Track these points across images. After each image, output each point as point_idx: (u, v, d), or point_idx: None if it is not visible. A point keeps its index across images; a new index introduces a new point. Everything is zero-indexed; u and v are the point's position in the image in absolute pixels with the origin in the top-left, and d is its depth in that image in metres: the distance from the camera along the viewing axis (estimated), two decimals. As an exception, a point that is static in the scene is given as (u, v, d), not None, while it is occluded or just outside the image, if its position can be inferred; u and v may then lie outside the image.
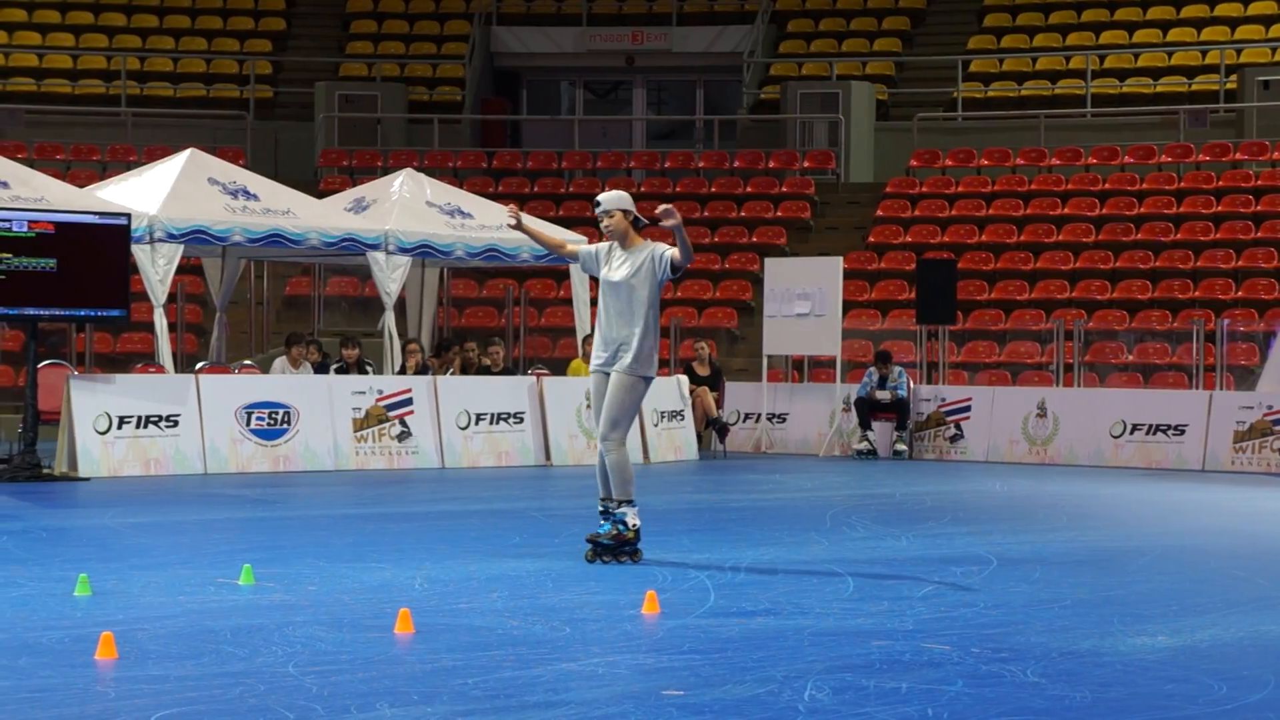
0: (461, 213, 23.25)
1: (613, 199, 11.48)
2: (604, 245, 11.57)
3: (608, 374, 11.36)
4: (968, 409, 23.99)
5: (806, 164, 33.70)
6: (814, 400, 25.14)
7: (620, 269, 11.33)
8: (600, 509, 11.44)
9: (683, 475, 20.93)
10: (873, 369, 24.40)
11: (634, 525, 11.29)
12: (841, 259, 25.81)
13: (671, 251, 11.35)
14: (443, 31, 38.46)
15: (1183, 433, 22.42)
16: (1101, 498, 18.14)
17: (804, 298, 24.68)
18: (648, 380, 11.38)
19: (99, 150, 33.15)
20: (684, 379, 23.58)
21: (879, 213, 32.06)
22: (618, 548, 11.29)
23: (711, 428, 24.31)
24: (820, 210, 32.97)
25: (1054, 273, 29.57)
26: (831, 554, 12.32)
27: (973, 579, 10.97)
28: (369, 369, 21.96)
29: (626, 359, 11.28)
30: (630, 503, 11.28)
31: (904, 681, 7.53)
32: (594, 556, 11.29)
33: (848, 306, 26.39)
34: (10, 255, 17.60)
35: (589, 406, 21.82)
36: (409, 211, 22.79)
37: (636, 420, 22.20)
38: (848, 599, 10.05)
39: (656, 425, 22.56)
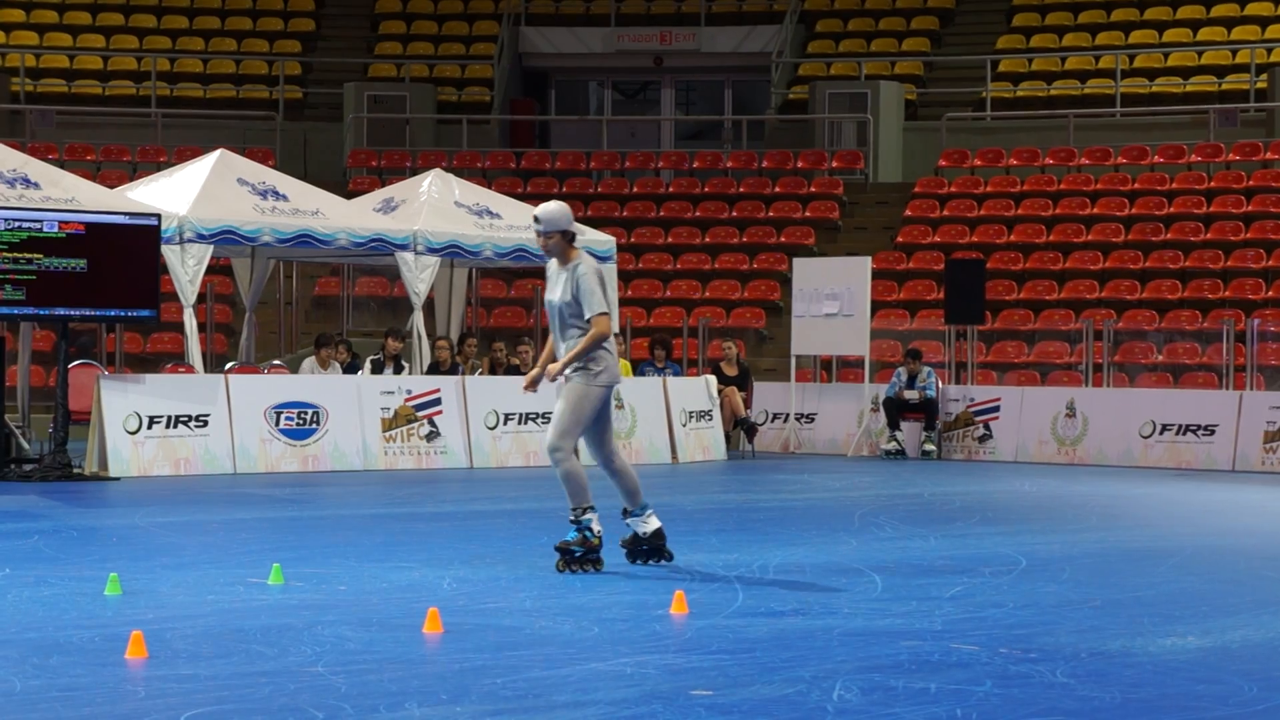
0: (490, 213, 23.27)
1: (552, 220, 10.92)
2: (550, 264, 11.10)
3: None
4: (996, 409, 23.94)
5: (835, 164, 33.67)
6: (842, 400, 25.11)
7: (555, 288, 10.96)
8: (571, 518, 11.04)
9: (711, 475, 20.92)
10: (901, 369, 24.36)
11: (598, 531, 10.92)
12: (870, 259, 25.78)
13: (586, 284, 10.77)
14: (471, 32, 38.50)
15: (1213, 433, 22.35)
16: (1131, 498, 18.08)
17: (832, 298, 24.66)
18: (604, 387, 10.94)
19: (129, 151, 33.25)
20: (712, 379, 23.57)
21: (907, 213, 32.01)
22: (585, 555, 10.91)
23: (740, 428, 24.29)
24: (848, 210, 32.93)
25: (1083, 273, 29.50)
26: (860, 554, 12.30)
27: (1002, 579, 10.94)
28: (404, 367, 21.98)
29: (581, 367, 10.85)
30: (591, 508, 10.91)
31: (933, 682, 7.51)
32: (564, 566, 10.87)
33: (876, 306, 26.35)
34: (41, 256, 17.66)
35: (619, 406, 22.01)
36: (437, 212, 22.81)
37: (664, 419, 22.26)
38: (876, 599, 10.03)
39: (685, 425, 22.56)
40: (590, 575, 10.84)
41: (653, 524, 11.25)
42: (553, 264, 11.07)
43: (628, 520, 11.28)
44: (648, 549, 11.27)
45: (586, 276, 10.83)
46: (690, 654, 8.23)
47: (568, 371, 10.91)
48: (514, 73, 37.57)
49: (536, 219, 10.99)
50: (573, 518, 10.97)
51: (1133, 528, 15.08)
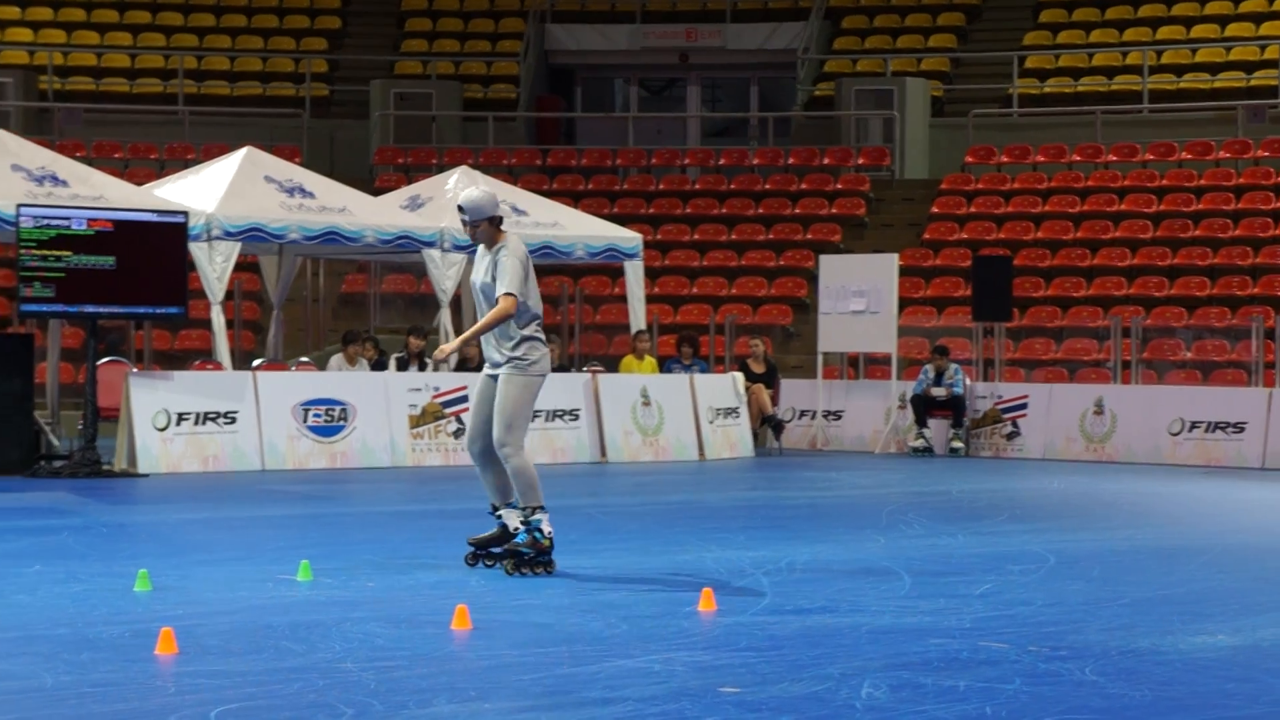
0: (516, 210, 23.27)
1: (478, 208, 10.62)
2: (479, 248, 10.84)
3: (495, 377, 10.72)
4: (1024, 406, 23.88)
5: (861, 161, 33.62)
6: (869, 397, 25.07)
7: (479, 270, 10.70)
8: (491, 511, 10.90)
9: (738, 472, 20.92)
10: (928, 366, 24.33)
11: (549, 533, 10.65)
12: (897, 256, 25.74)
13: (505, 264, 10.56)
14: (497, 29, 38.52)
15: (1242, 430, 22.27)
16: (1160, 496, 18.03)
17: (859, 295, 24.63)
18: (539, 377, 10.68)
19: (157, 149, 33.32)
20: (739, 376, 23.56)
21: (934, 209, 31.95)
22: (535, 558, 10.62)
23: (767, 425, 24.28)
24: (875, 207, 32.88)
25: (1111, 269, 29.42)
26: (888, 551, 12.29)
27: (1030, 577, 10.92)
28: (429, 364, 21.99)
29: (514, 359, 10.62)
30: (542, 508, 10.62)
31: (962, 679, 7.50)
32: (514, 569, 10.58)
33: (903, 303, 26.31)
34: (70, 253, 17.70)
35: (645, 404, 22.03)
36: (464, 209, 22.80)
37: (691, 416, 22.24)
38: (904, 596, 10.02)
39: (712, 422, 22.56)
40: (618, 572, 10.84)
41: (513, 523, 10.81)
42: (480, 247, 10.79)
43: (499, 513, 10.88)
44: (530, 557, 10.71)
45: (507, 258, 10.58)
46: (718, 651, 8.23)
47: (505, 369, 10.60)
48: (540, 70, 37.58)
49: (461, 208, 10.67)
50: (521, 518, 10.66)
51: (1162, 525, 15.04)
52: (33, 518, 14.23)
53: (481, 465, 10.84)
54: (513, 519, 10.80)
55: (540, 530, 10.65)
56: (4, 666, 7.58)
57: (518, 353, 10.64)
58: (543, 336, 10.84)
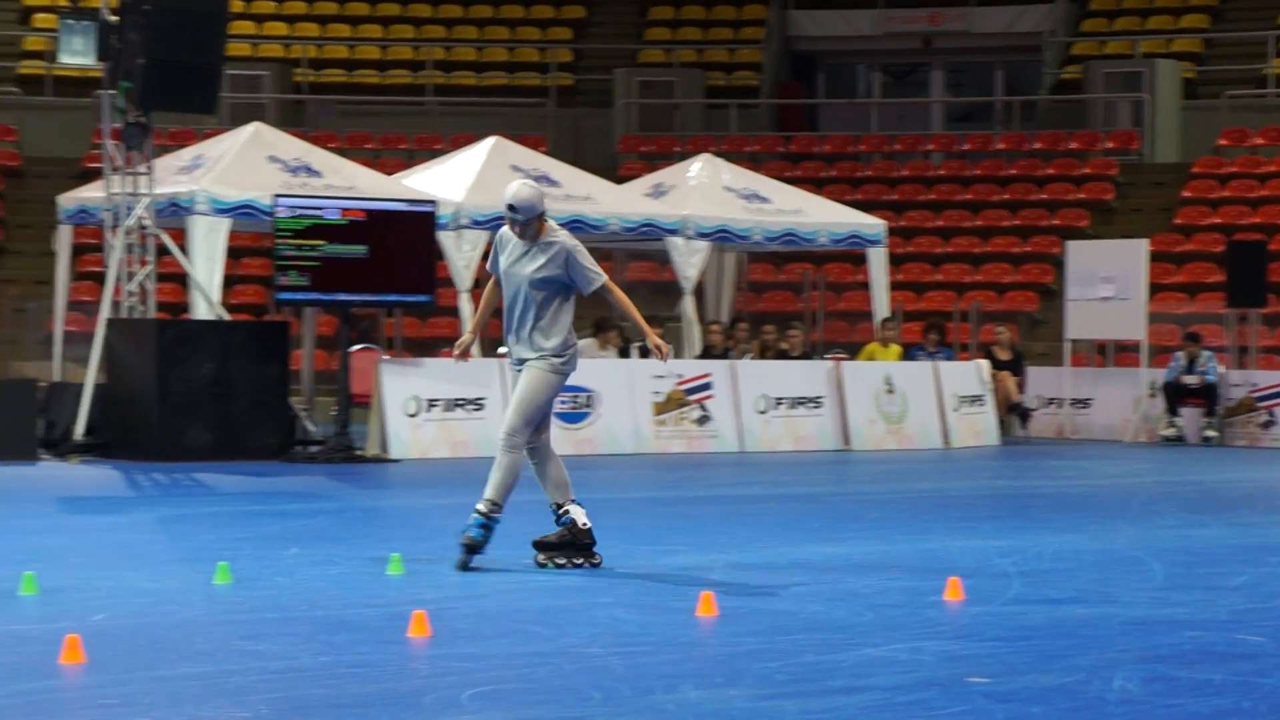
0: (759, 197, 23.30)
1: (530, 206, 10.29)
2: (505, 234, 10.50)
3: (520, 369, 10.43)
4: (1280, 394, 23.32)
5: (1109, 144, 33.04)
6: (1118, 385, 24.64)
7: (529, 261, 10.37)
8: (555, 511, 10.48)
9: (984, 460, 20.71)
10: (1180, 353, 23.84)
11: (478, 539, 10.19)
12: (1147, 241, 25.25)
13: (581, 260, 10.40)
14: (740, 16, 38.54)
15: None
16: None
17: (1108, 281, 24.22)
18: (565, 376, 10.43)
19: (406, 139, 33.93)
20: (985, 363, 23.32)
21: (1186, 193, 31.29)
22: (570, 545, 10.30)
23: (1013, 413, 24.00)
24: (1124, 191, 32.29)
25: (1372, 253, 28.56)
26: (1139, 541, 12.08)
27: (1288, 569, 10.67)
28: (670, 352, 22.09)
29: (548, 353, 10.34)
30: (499, 508, 10.24)
31: (1217, 673, 7.35)
32: (547, 560, 10.32)
33: (1153, 289, 25.81)
34: (324, 242, 18.07)
35: (889, 391, 21.91)
36: (707, 196, 22.90)
37: (936, 404, 22.07)
38: (1157, 587, 9.85)
39: (957, 410, 22.35)
40: (862, 560, 10.80)
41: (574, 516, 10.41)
42: (505, 235, 10.49)
43: (563, 509, 10.47)
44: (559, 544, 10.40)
45: (577, 254, 10.39)
46: (966, 641, 8.17)
47: (537, 362, 10.29)
48: (782, 56, 37.52)
49: (515, 208, 10.25)
50: (484, 509, 10.25)
51: None
52: (290, 501, 14.60)
53: (535, 464, 10.49)
54: (579, 515, 10.40)
55: (476, 529, 10.22)
56: (265, 647, 7.77)
57: (556, 347, 10.36)
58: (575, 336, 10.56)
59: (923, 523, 13.32)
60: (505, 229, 10.49)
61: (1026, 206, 31.89)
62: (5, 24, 36.39)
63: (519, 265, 10.42)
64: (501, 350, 21.79)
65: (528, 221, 10.37)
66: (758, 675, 7.21)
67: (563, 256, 10.38)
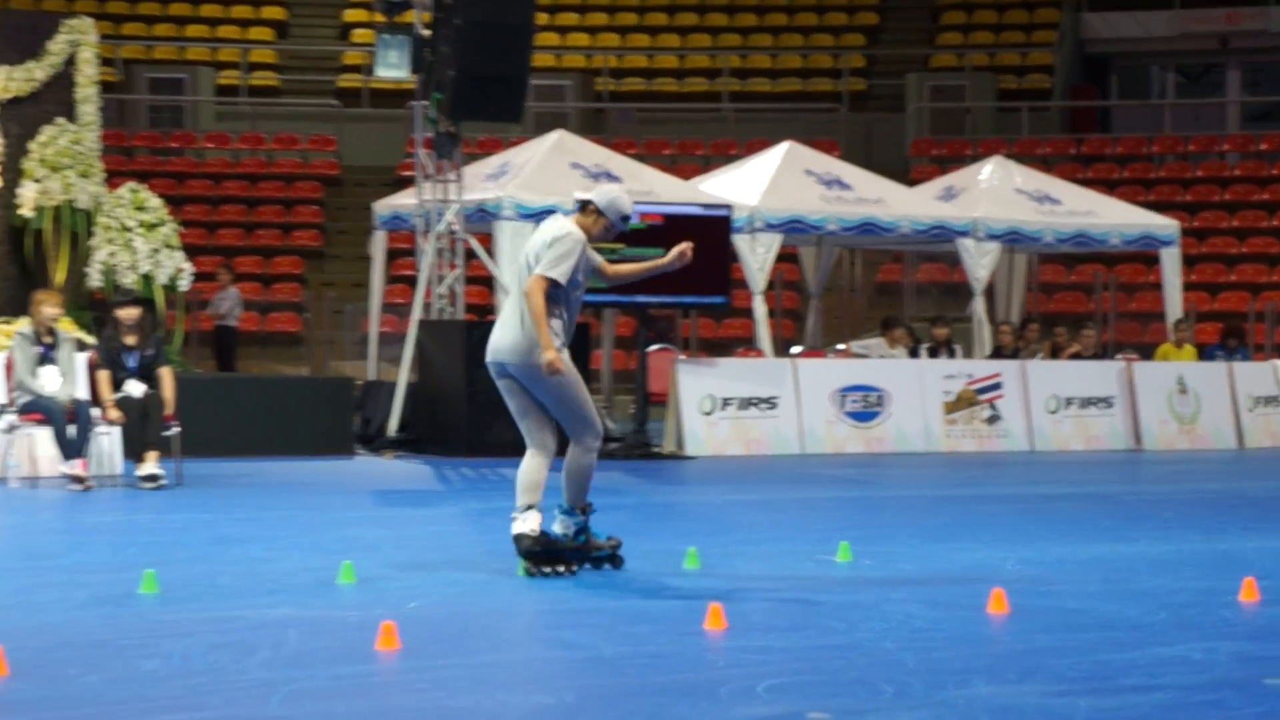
0: (1050, 199, 23.21)
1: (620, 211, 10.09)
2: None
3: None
4: None
5: None
6: None
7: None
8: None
9: (1279, 462, 20.36)
10: None
11: (534, 532, 9.83)
12: None
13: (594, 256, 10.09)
14: (1032, 20, 38.21)
15: None
16: None
17: None
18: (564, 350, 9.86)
19: (702, 144, 34.32)
20: (1281, 364, 22.94)
21: None
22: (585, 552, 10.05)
23: (1314, 415, 23.49)
24: None
25: None
26: None
27: None
28: (956, 351, 22.15)
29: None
30: (590, 508, 10.09)
31: None
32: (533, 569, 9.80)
33: None
34: (624, 246, 18.39)
35: (1182, 391, 21.64)
36: (997, 198, 22.89)
37: (1229, 404, 21.77)
38: None
39: (1252, 410, 22.01)
40: (1155, 559, 10.75)
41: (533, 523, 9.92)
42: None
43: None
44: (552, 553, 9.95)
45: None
46: (1262, 642, 8.08)
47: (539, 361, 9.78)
48: (1075, 59, 37.11)
49: (626, 218, 10.14)
50: (580, 518, 10.04)
51: None
52: (594, 496, 14.96)
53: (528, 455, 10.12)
54: (533, 520, 9.89)
55: (587, 529, 10.07)
56: (569, 636, 8.09)
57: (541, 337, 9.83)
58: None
59: (1217, 523, 13.16)
60: (584, 236, 10.05)
61: (1328, 206, 31.17)
62: (325, 40, 37.74)
63: (591, 259, 10.20)
64: (795, 350, 22.14)
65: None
66: (1049, 672, 7.21)
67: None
